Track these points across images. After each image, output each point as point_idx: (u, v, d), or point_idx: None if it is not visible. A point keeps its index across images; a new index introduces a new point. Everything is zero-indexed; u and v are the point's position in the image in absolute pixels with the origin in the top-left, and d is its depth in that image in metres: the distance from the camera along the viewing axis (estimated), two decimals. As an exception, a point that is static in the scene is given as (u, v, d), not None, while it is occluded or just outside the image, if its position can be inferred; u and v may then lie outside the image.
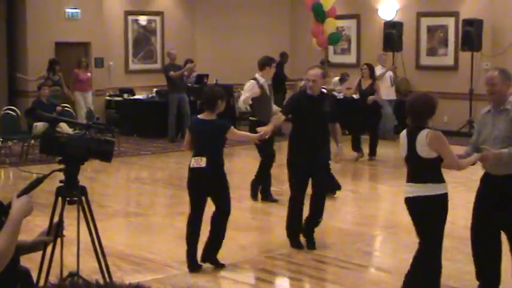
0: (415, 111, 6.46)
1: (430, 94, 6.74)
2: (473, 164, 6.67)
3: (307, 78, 8.96)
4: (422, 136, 6.36)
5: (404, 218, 10.26)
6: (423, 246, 6.60)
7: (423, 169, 6.43)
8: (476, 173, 7.25)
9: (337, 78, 19.13)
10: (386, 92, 17.73)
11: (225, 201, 7.98)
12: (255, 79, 11.35)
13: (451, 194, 6.58)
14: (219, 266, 8.05)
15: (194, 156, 7.91)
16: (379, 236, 9.95)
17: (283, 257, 8.49)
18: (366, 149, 15.03)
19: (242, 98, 11.49)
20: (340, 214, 9.64)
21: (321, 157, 8.89)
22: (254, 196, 11.43)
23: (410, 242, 9.22)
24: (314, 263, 8.33)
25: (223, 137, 8.00)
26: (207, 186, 7.89)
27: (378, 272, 8.25)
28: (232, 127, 8.03)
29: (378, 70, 17.76)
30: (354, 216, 10.90)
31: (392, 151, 16.85)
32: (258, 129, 8.72)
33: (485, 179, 6.83)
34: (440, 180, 6.44)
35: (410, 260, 8.32)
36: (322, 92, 8.97)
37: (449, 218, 6.63)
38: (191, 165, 7.92)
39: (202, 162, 7.79)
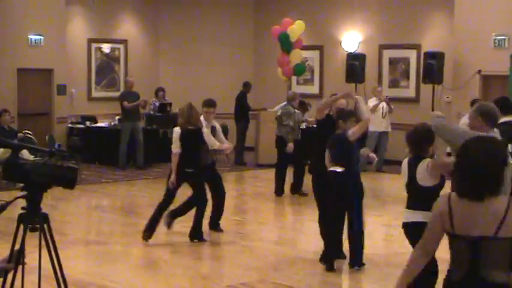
0: (414, 141, 6.73)
1: (427, 124, 6.94)
2: None
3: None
4: (423, 165, 6.57)
5: (369, 249, 10.31)
6: None
7: (422, 197, 6.56)
8: None
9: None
10: (378, 123, 17.71)
11: None
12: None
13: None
14: None
15: None
16: (343, 266, 9.93)
17: (245, 287, 8.46)
18: None
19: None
20: (302, 244, 9.64)
21: None
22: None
23: (374, 272, 9.26)
24: (276, 293, 8.32)
25: None
26: None
27: (340, 302, 8.24)
28: None
29: (372, 102, 17.80)
30: (316, 246, 10.88)
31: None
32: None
33: None
34: None
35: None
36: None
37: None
38: None
39: None
